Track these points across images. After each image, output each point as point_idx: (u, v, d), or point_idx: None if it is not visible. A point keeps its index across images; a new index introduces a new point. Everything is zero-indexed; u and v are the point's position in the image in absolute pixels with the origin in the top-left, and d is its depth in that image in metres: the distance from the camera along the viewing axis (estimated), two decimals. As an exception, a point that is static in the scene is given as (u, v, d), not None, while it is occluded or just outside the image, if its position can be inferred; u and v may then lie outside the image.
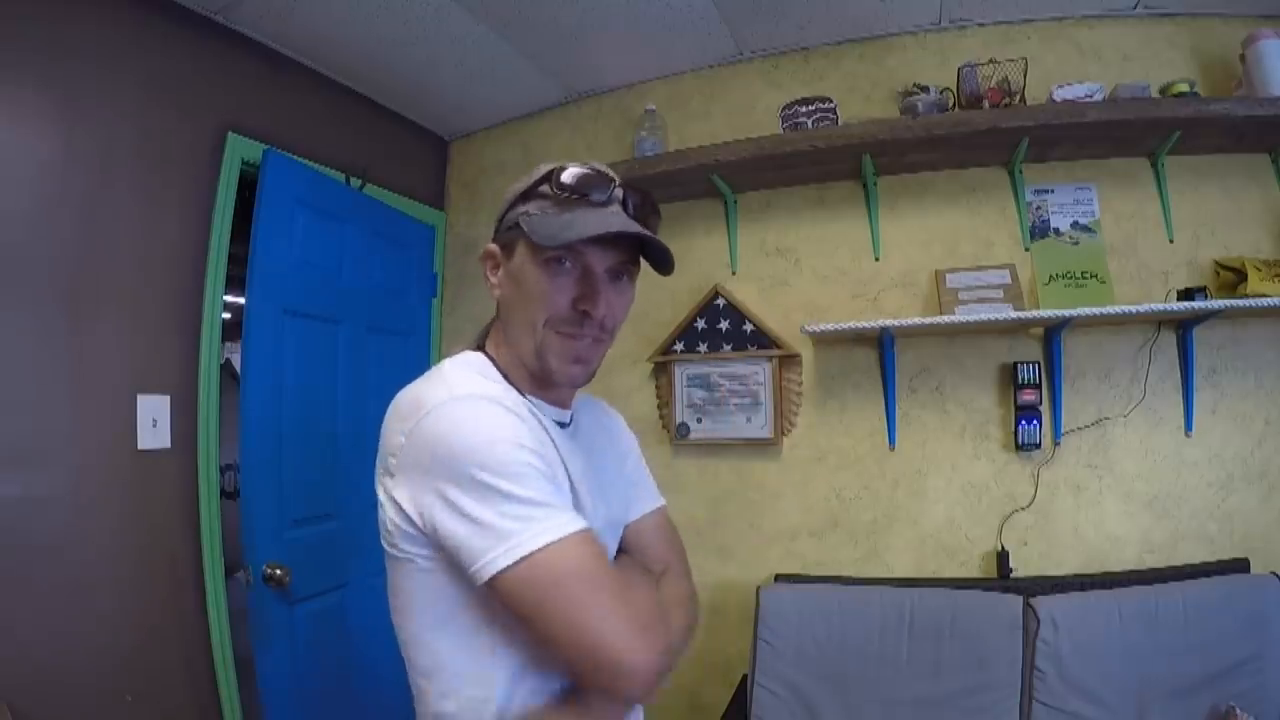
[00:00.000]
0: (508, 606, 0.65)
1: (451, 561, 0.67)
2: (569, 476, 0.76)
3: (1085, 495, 1.97)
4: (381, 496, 0.72)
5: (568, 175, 0.75)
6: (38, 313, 1.53)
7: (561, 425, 0.84)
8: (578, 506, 0.74)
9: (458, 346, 0.85)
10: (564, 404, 0.86)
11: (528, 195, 0.78)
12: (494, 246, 0.82)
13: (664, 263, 0.82)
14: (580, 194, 0.75)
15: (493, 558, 0.63)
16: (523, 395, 0.79)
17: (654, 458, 2.35)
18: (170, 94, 1.81)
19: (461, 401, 0.67)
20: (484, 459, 0.64)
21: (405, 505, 0.68)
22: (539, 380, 0.81)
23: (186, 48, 1.85)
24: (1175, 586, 1.76)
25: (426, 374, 0.76)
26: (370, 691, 2.11)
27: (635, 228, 0.77)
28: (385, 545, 0.73)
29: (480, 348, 0.83)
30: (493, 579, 0.63)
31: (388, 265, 2.38)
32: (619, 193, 0.79)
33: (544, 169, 0.78)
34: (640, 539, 0.96)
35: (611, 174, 0.79)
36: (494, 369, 0.80)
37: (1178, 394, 1.94)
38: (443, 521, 0.65)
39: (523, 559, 0.62)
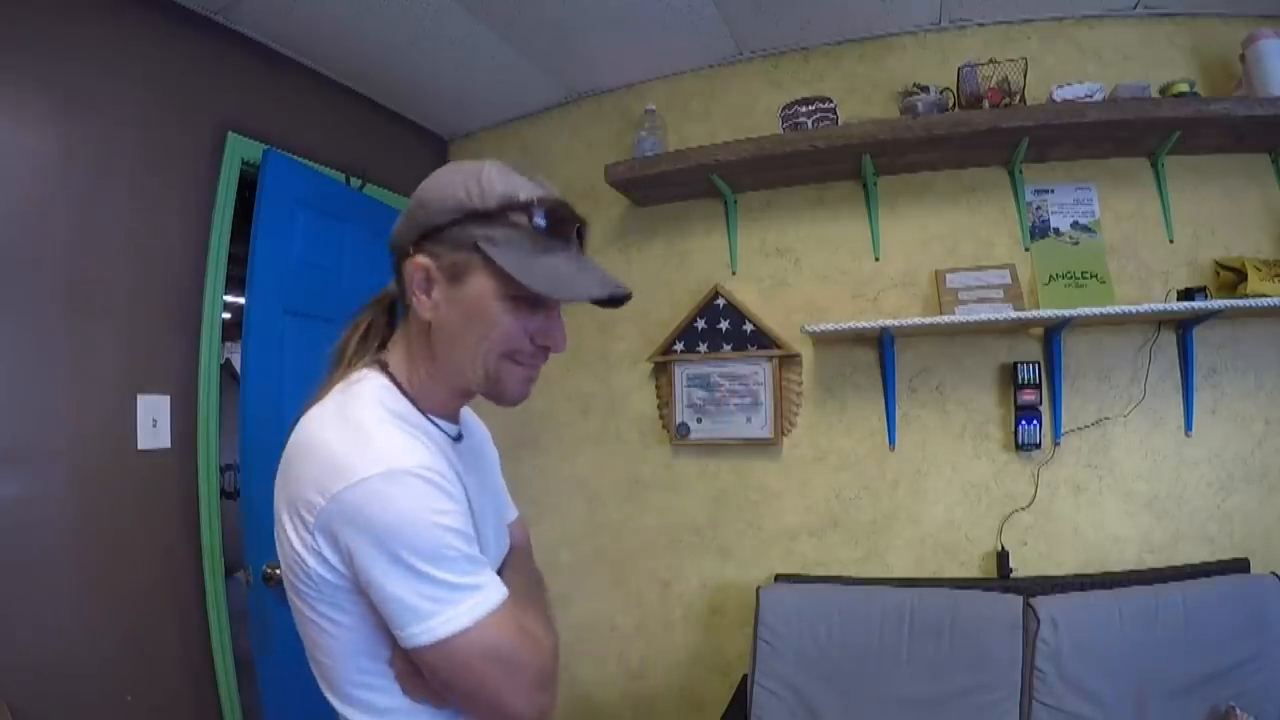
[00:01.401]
0: (426, 668, 0.69)
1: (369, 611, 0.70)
2: (465, 489, 0.75)
3: (1085, 495, 1.97)
4: (295, 541, 0.69)
5: (542, 216, 0.73)
6: (38, 313, 1.53)
7: (455, 439, 0.84)
8: (472, 513, 0.74)
9: (361, 373, 0.78)
10: (457, 418, 0.85)
11: (489, 218, 0.71)
12: (429, 263, 0.73)
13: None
14: (553, 234, 0.74)
15: (412, 633, 0.66)
16: (424, 414, 0.78)
17: (654, 458, 2.37)
18: (170, 94, 1.81)
19: (384, 479, 0.66)
20: (410, 541, 0.65)
21: (329, 558, 0.69)
22: (452, 399, 0.81)
23: (186, 48, 1.85)
24: (1175, 586, 1.76)
25: (336, 415, 0.72)
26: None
27: (623, 288, 0.78)
28: (299, 585, 0.72)
29: (380, 362, 0.79)
30: (412, 650, 0.67)
31: (388, 265, 2.37)
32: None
33: (500, 189, 0.72)
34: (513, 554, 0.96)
35: (573, 209, 0.78)
36: (398, 392, 0.77)
37: (1178, 394, 1.94)
38: (370, 583, 0.67)
39: (436, 642, 0.66)
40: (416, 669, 0.70)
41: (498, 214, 0.72)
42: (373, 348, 0.81)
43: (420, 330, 0.77)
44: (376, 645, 0.72)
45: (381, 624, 0.70)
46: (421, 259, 0.74)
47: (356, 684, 0.73)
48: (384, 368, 0.78)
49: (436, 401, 0.80)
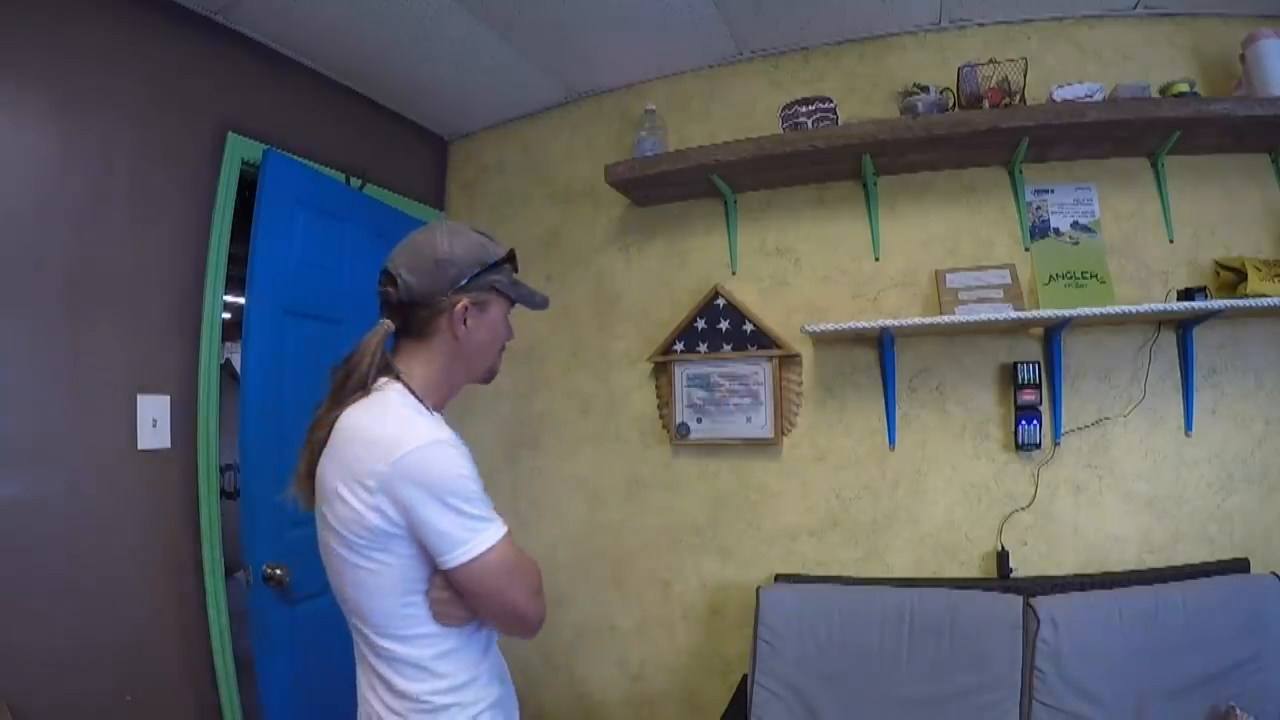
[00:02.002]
0: (459, 586, 0.96)
1: (411, 555, 0.96)
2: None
3: (1085, 495, 1.97)
4: (356, 504, 0.93)
5: (513, 263, 1.14)
6: (38, 313, 1.53)
7: None
8: None
9: (380, 376, 1.03)
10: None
11: (494, 268, 1.09)
12: (467, 301, 1.05)
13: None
14: (515, 269, 1.14)
15: (455, 555, 0.94)
16: (429, 408, 1.03)
17: (654, 458, 2.37)
18: (170, 94, 1.81)
19: (432, 446, 0.94)
20: (451, 487, 0.94)
21: (389, 512, 0.93)
22: (451, 394, 1.11)
23: (186, 48, 1.85)
24: (1175, 586, 1.76)
25: (380, 410, 0.98)
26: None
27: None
28: (354, 539, 0.95)
29: (395, 375, 1.03)
30: (452, 570, 0.95)
31: (388, 265, 2.38)
32: None
33: (493, 250, 1.10)
34: None
35: None
36: (412, 396, 1.02)
37: (1178, 394, 1.94)
38: (423, 522, 0.93)
39: (472, 559, 0.94)
40: (445, 597, 0.97)
41: (497, 265, 1.10)
42: (380, 367, 1.03)
43: (442, 349, 1.06)
44: (415, 582, 0.97)
45: (418, 566, 0.96)
46: (463, 300, 1.05)
47: (398, 616, 0.97)
48: (396, 377, 1.03)
49: (438, 398, 1.08)
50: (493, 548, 0.95)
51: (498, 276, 1.10)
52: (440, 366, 1.07)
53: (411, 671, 0.98)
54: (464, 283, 1.05)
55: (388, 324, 1.05)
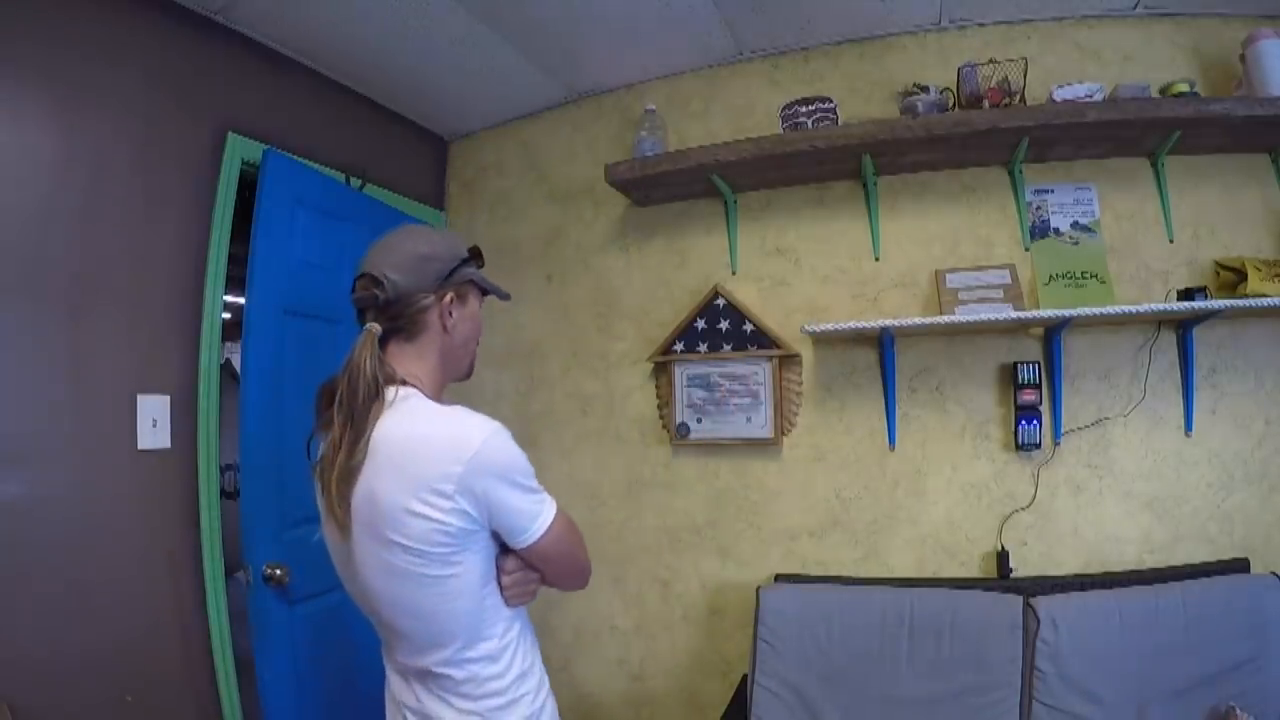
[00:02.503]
0: (534, 557, 1.03)
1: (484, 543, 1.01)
2: None
3: (1085, 495, 1.97)
4: (433, 514, 0.93)
5: (480, 256, 1.16)
6: (37, 312, 1.53)
7: None
8: None
9: (397, 388, 1.02)
10: None
11: (466, 261, 1.12)
12: (452, 294, 1.09)
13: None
14: (480, 265, 1.17)
15: (532, 530, 1.00)
16: None
17: (654, 458, 2.37)
18: (170, 94, 1.81)
19: (493, 436, 0.97)
20: (519, 468, 0.99)
21: (469, 509, 0.95)
22: (442, 391, 1.11)
23: (186, 47, 1.85)
24: (1175, 586, 1.76)
25: (423, 416, 0.99)
26: (370, 691, 2.11)
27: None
28: (434, 551, 0.95)
29: (403, 382, 1.03)
30: (530, 544, 1.00)
31: (388, 265, 2.38)
32: None
33: (463, 244, 1.13)
34: None
35: None
36: (427, 398, 1.04)
37: (1178, 394, 1.94)
38: (502, 505, 0.97)
39: (545, 530, 1.01)
40: (518, 578, 1.03)
41: (469, 259, 1.13)
42: (386, 376, 1.02)
43: (433, 345, 1.08)
44: (489, 574, 1.02)
45: (490, 557, 1.02)
46: (449, 293, 1.08)
47: (479, 613, 1.00)
48: (404, 383, 1.03)
49: (436, 397, 1.09)
50: (556, 517, 1.03)
51: (471, 269, 1.13)
52: (434, 365, 1.08)
53: (489, 668, 1.01)
54: (447, 276, 1.07)
55: (376, 328, 1.03)
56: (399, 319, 1.05)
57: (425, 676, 1.02)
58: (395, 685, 1.08)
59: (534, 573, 1.05)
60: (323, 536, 1.07)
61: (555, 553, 1.03)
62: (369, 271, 1.05)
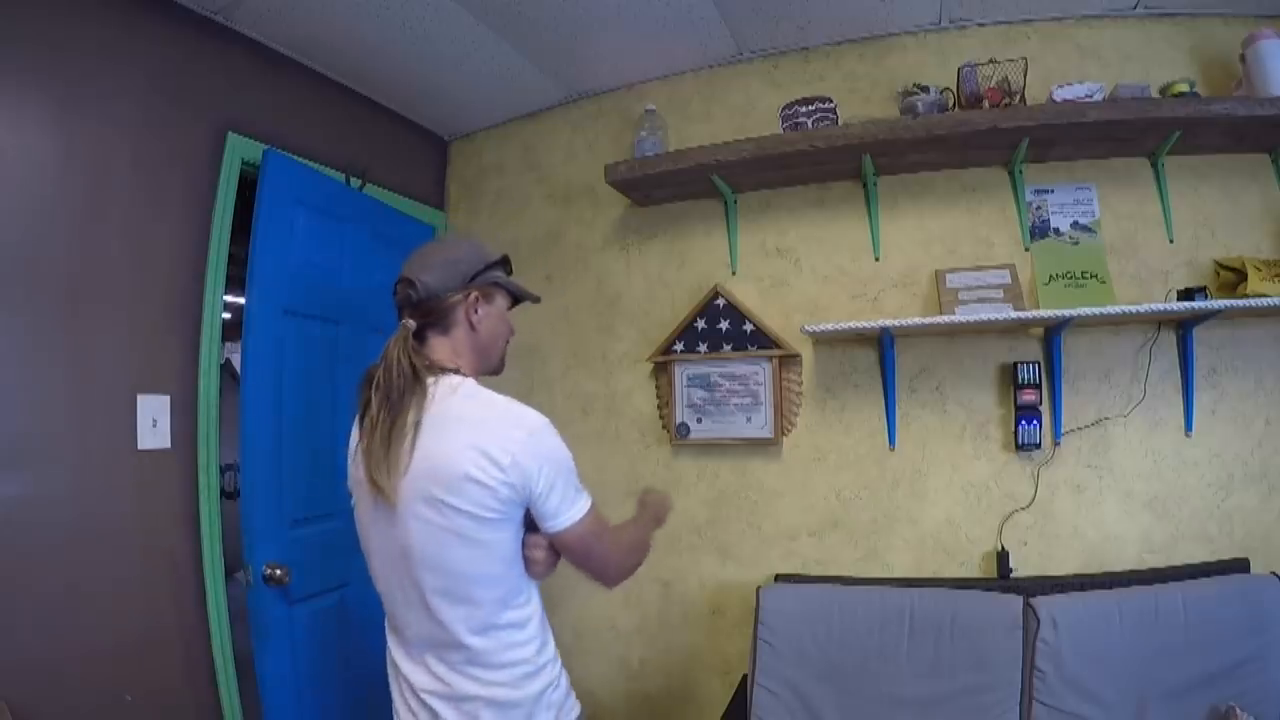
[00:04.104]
0: (558, 544, 1.13)
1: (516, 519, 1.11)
2: None
3: (1085, 495, 1.97)
4: (490, 481, 1.04)
5: (508, 261, 1.29)
6: (38, 313, 1.53)
7: None
8: None
9: (443, 376, 1.14)
10: None
11: (493, 266, 1.24)
12: (477, 293, 1.20)
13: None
14: (509, 270, 1.30)
15: (569, 514, 1.11)
16: None
17: (654, 458, 2.37)
18: (170, 94, 1.81)
19: (549, 425, 1.12)
20: (565, 459, 1.13)
21: (517, 483, 1.05)
22: (479, 380, 1.20)
23: (186, 48, 1.85)
24: (1175, 586, 1.76)
25: (486, 398, 1.12)
26: (370, 691, 2.11)
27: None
28: (469, 508, 1.05)
29: (457, 370, 1.16)
30: (564, 528, 1.11)
31: (388, 265, 2.36)
32: None
33: (490, 250, 1.25)
34: None
35: None
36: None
37: (1178, 394, 1.94)
38: (551, 486, 1.09)
39: (581, 517, 1.13)
40: (542, 555, 1.13)
41: (497, 263, 1.26)
42: (426, 365, 1.13)
43: (464, 339, 1.20)
44: (518, 547, 1.12)
45: (520, 531, 1.11)
46: (474, 293, 1.19)
47: (510, 582, 1.11)
48: (455, 371, 1.15)
49: None
50: (590, 508, 1.15)
51: (497, 273, 1.25)
52: (468, 358, 1.21)
53: (513, 638, 1.10)
54: (473, 278, 1.19)
55: (410, 323, 1.15)
56: (430, 315, 1.17)
57: (449, 651, 1.08)
58: (410, 672, 1.12)
59: (554, 552, 1.16)
60: (356, 516, 1.18)
61: (580, 547, 1.14)
62: (406, 275, 1.18)
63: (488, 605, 1.08)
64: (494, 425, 1.07)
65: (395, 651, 1.15)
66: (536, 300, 1.35)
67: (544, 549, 1.14)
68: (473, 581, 1.07)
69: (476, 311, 1.20)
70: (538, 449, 1.08)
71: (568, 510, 1.11)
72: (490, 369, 1.27)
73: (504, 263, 1.28)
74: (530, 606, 1.14)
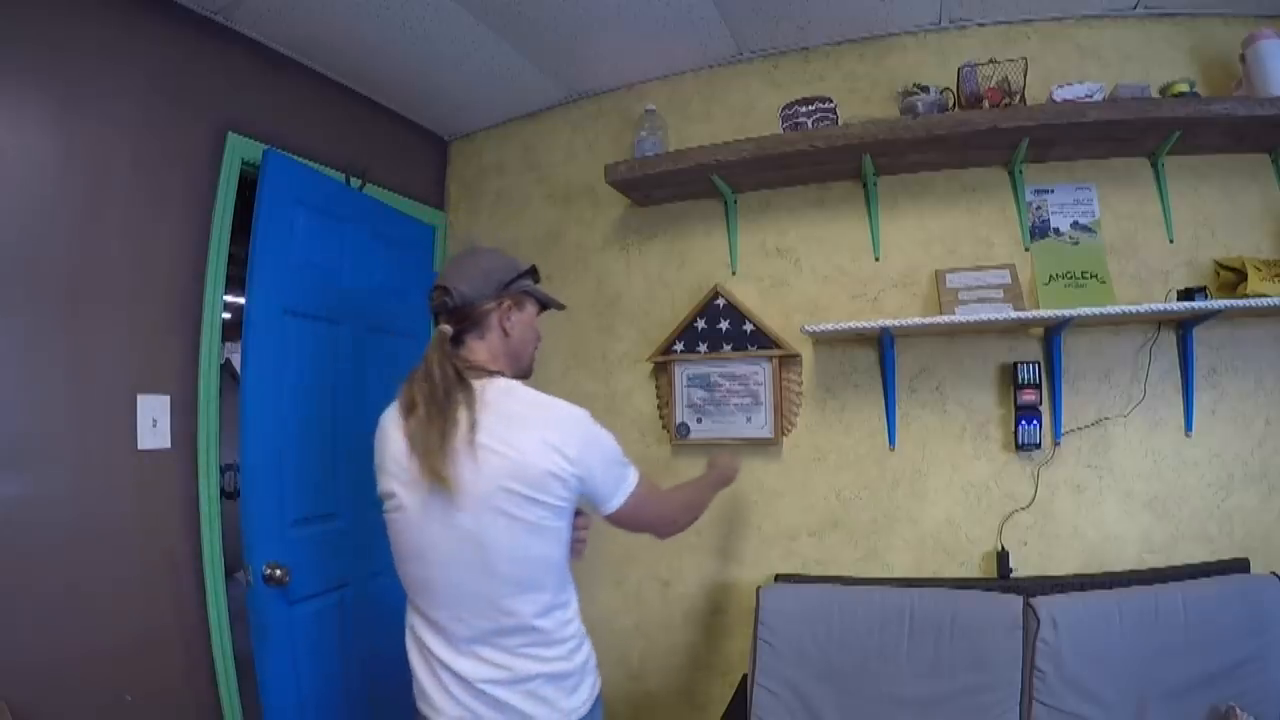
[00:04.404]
0: (617, 521, 1.27)
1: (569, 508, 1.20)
2: None
3: (1085, 495, 1.97)
4: (560, 472, 1.14)
5: (534, 274, 1.36)
6: (38, 313, 1.53)
7: None
8: None
9: (490, 378, 1.22)
10: None
11: (523, 275, 1.32)
12: (510, 301, 1.29)
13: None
14: (537, 281, 1.37)
15: (620, 491, 1.24)
16: None
17: (654, 457, 2.37)
18: (170, 94, 1.81)
19: (589, 417, 1.21)
20: (614, 445, 1.23)
21: (579, 472, 1.16)
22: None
23: (186, 48, 1.85)
24: (1175, 586, 1.76)
25: (536, 393, 1.20)
26: (370, 691, 2.11)
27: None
28: (547, 499, 1.14)
29: (499, 373, 1.24)
30: (618, 507, 1.24)
31: (388, 265, 2.38)
32: None
33: (520, 261, 1.33)
34: None
35: None
36: None
37: (1178, 394, 1.94)
38: (606, 471, 1.21)
39: (633, 491, 1.26)
40: (586, 536, 1.28)
41: (526, 273, 1.33)
42: (467, 366, 1.22)
43: (498, 344, 1.27)
44: (569, 531, 1.22)
45: (571, 516, 1.21)
46: (506, 301, 1.28)
47: (564, 564, 1.21)
48: (501, 374, 1.24)
49: None
50: (641, 480, 1.28)
51: (527, 282, 1.33)
52: (503, 361, 1.29)
53: (567, 615, 1.21)
54: (505, 286, 1.28)
55: (447, 329, 1.24)
56: (465, 321, 1.25)
57: (511, 636, 1.14)
58: (460, 666, 1.15)
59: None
60: (395, 517, 1.21)
61: (632, 518, 1.29)
62: (442, 283, 1.25)
63: (551, 588, 1.17)
64: (556, 422, 1.16)
65: (437, 648, 1.17)
66: (562, 308, 1.46)
67: (589, 529, 1.27)
68: (544, 568, 1.17)
69: (509, 318, 1.28)
70: (592, 440, 1.19)
71: (621, 490, 1.24)
72: (522, 372, 1.33)
73: (533, 272, 1.35)
74: (572, 585, 1.25)
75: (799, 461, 2.21)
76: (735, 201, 2.33)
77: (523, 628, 1.14)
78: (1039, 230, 2.06)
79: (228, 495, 2.00)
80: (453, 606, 1.15)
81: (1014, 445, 2.00)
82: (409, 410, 1.17)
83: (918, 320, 1.93)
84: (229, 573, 1.89)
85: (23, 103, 1.52)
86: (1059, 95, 1.89)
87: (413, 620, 1.22)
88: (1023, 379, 1.98)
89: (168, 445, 1.75)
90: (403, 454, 1.16)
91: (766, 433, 2.20)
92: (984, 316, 1.87)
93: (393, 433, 1.20)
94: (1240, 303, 1.73)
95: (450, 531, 1.13)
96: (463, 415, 1.13)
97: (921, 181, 2.17)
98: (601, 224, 2.51)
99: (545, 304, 1.38)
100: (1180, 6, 2.02)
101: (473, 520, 1.12)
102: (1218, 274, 1.90)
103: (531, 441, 1.13)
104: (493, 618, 1.14)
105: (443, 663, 1.15)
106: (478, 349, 1.25)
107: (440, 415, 1.13)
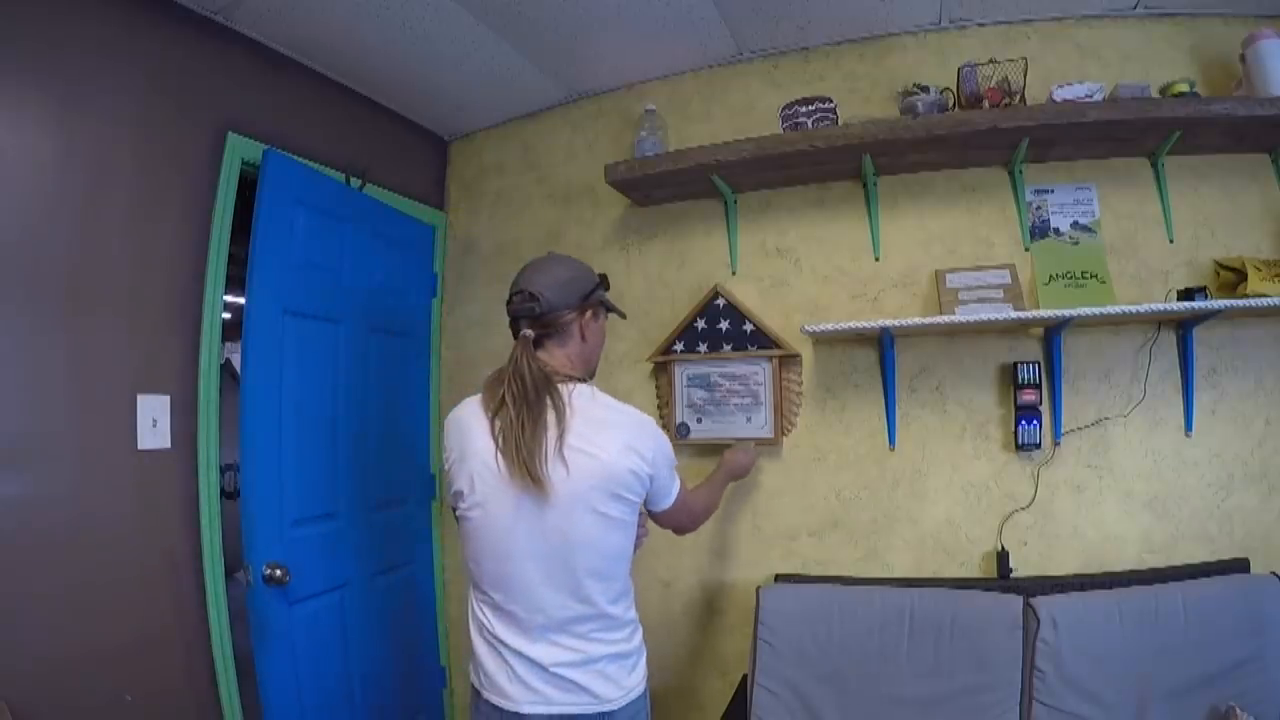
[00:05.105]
0: (661, 517, 1.41)
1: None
2: None
3: (1085, 495, 1.97)
4: (640, 471, 1.24)
5: (604, 283, 1.42)
6: (38, 312, 1.53)
7: None
8: None
9: (571, 383, 1.28)
10: None
11: (598, 286, 1.39)
12: (590, 309, 1.36)
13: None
14: (607, 289, 1.44)
15: (674, 491, 1.37)
16: None
17: (654, 458, 2.36)
18: (170, 94, 1.81)
19: (655, 423, 1.32)
20: (671, 452, 1.34)
21: (652, 472, 1.27)
22: None
23: (186, 48, 1.85)
24: (1175, 586, 1.76)
25: (619, 406, 1.29)
26: (370, 691, 2.11)
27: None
28: (629, 496, 1.24)
29: (582, 379, 1.32)
30: (671, 504, 1.37)
31: (388, 265, 2.38)
32: None
33: (594, 272, 1.41)
34: None
35: None
36: None
37: (1178, 394, 1.94)
38: (670, 474, 1.34)
39: (674, 499, 1.38)
40: (646, 529, 1.42)
41: (600, 283, 1.41)
42: (549, 370, 1.26)
43: (577, 349, 1.34)
44: (635, 527, 1.31)
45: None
46: (588, 310, 1.35)
47: (631, 554, 1.31)
48: (582, 380, 1.31)
49: None
50: (682, 483, 1.40)
51: (602, 292, 1.41)
52: (580, 366, 1.35)
53: (629, 601, 1.31)
54: (586, 296, 1.35)
55: (529, 333, 1.28)
56: (549, 327, 1.30)
57: (585, 623, 1.23)
58: (535, 653, 1.21)
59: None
60: (474, 514, 1.25)
61: (673, 517, 1.43)
62: (526, 288, 1.29)
63: (621, 577, 1.28)
64: (634, 426, 1.27)
65: (510, 638, 1.23)
66: (624, 316, 1.59)
67: (644, 525, 1.38)
68: (620, 559, 1.27)
69: (590, 327, 1.36)
70: (662, 444, 1.30)
71: (673, 491, 1.36)
72: (589, 374, 1.40)
73: (604, 281, 1.42)
74: (631, 579, 1.34)
75: (799, 461, 2.21)
76: (735, 201, 2.33)
77: (598, 615, 1.23)
78: (1039, 230, 2.06)
79: (228, 495, 2.00)
80: (532, 598, 1.22)
81: (1014, 445, 2.00)
82: (495, 410, 1.22)
83: (918, 320, 1.93)
84: (229, 573, 1.89)
85: (23, 102, 1.52)
86: (1059, 95, 1.89)
87: (481, 612, 1.28)
88: (1023, 379, 1.98)
89: (168, 445, 1.75)
90: (489, 453, 1.21)
91: (766, 433, 2.20)
92: (984, 316, 1.87)
93: (476, 430, 1.25)
94: (1240, 303, 1.73)
95: (538, 529, 1.20)
96: (552, 419, 1.20)
97: (921, 181, 2.17)
98: (601, 224, 2.51)
99: (612, 312, 1.48)
100: (1180, 6, 2.02)
101: (563, 518, 1.19)
102: (1218, 274, 1.90)
103: (616, 444, 1.21)
104: (571, 607, 1.22)
105: (515, 650, 1.22)
106: (557, 354, 1.31)
107: (531, 417, 1.19)
